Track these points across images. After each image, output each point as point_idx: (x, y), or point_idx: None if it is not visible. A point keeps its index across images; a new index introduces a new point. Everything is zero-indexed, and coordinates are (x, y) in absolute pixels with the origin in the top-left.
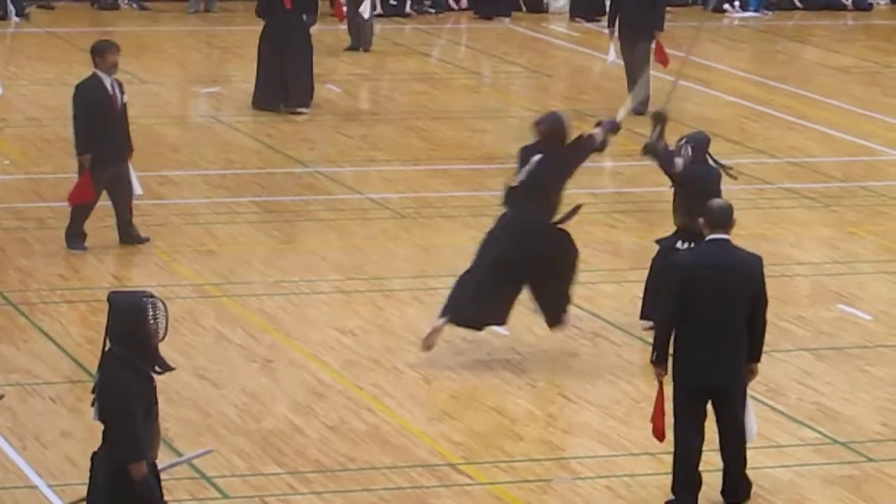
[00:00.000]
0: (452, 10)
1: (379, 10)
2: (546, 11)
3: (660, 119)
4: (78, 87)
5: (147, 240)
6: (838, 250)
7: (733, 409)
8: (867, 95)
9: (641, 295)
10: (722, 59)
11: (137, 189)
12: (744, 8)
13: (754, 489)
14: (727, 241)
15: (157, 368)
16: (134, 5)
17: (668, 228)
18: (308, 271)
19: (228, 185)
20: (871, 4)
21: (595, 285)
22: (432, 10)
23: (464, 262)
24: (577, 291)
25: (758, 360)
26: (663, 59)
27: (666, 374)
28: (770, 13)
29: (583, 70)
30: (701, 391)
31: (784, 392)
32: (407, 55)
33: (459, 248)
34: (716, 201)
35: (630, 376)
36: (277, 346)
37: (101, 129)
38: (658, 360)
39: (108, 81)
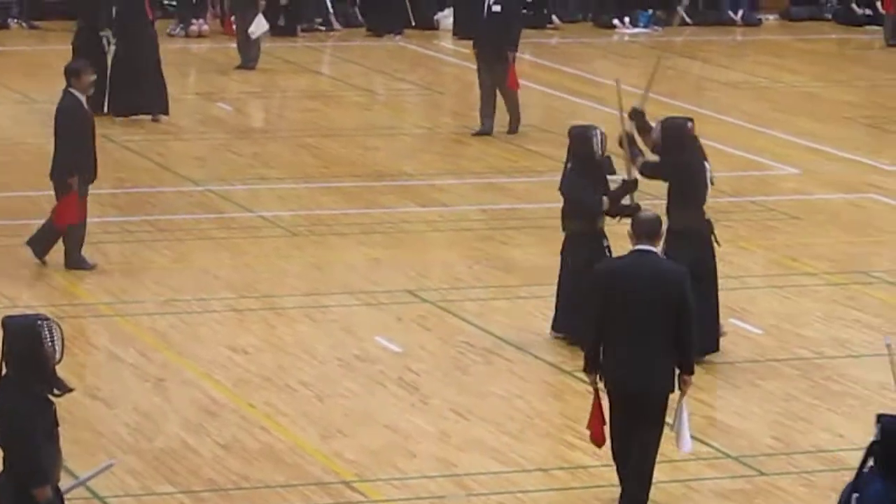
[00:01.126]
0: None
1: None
2: (436, 28)
3: (636, 117)
4: (61, 108)
5: (94, 266)
6: (730, 265)
7: (649, 418)
8: (757, 110)
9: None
10: (612, 74)
11: None
12: (633, 24)
13: None
14: (652, 252)
15: (55, 391)
16: (24, 24)
17: (556, 244)
18: (200, 290)
19: (119, 204)
20: (759, 20)
21: (487, 301)
22: (322, 28)
23: (357, 280)
24: (469, 308)
25: (689, 372)
26: (512, 83)
27: (599, 380)
28: (660, 29)
29: (473, 87)
30: (622, 399)
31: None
32: (298, 73)
33: (351, 265)
34: (644, 212)
35: (523, 392)
36: (169, 364)
37: (85, 150)
38: (589, 368)
39: (84, 101)
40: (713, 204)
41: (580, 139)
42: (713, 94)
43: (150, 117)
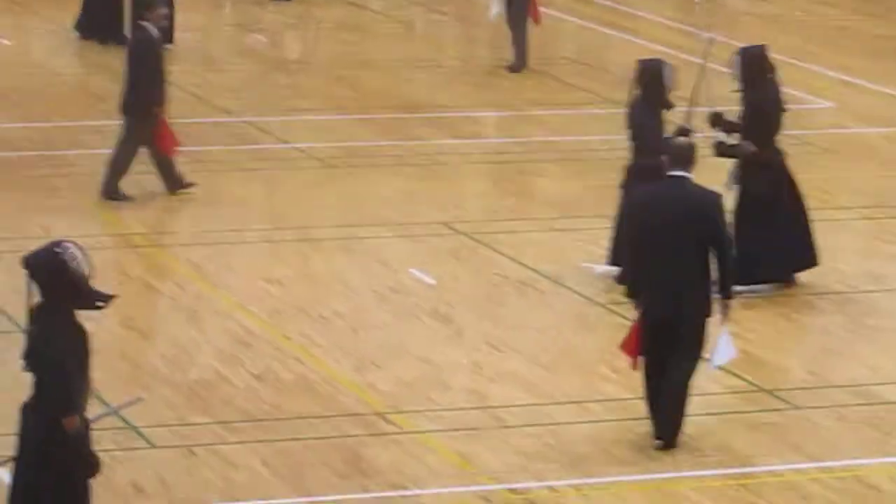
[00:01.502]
0: None
1: None
2: None
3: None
4: (136, 41)
5: (131, 198)
6: None
7: (686, 343)
8: (792, 44)
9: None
10: (647, 7)
11: None
12: None
13: (682, 436)
14: (686, 178)
15: (98, 304)
16: None
17: (593, 176)
18: (234, 221)
19: None
20: None
21: (521, 234)
22: None
23: (391, 212)
24: (503, 240)
25: (728, 296)
26: (535, 17)
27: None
28: None
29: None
30: (656, 325)
31: (710, 341)
32: (334, 4)
33: (386, 197)
34: (679, 140)
35: (556, 325)
36: (204, 295)
37: (161, 81)
38: (632, 293)
39: (155, 34)
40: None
41: (651, 73)
42: (748, 27)
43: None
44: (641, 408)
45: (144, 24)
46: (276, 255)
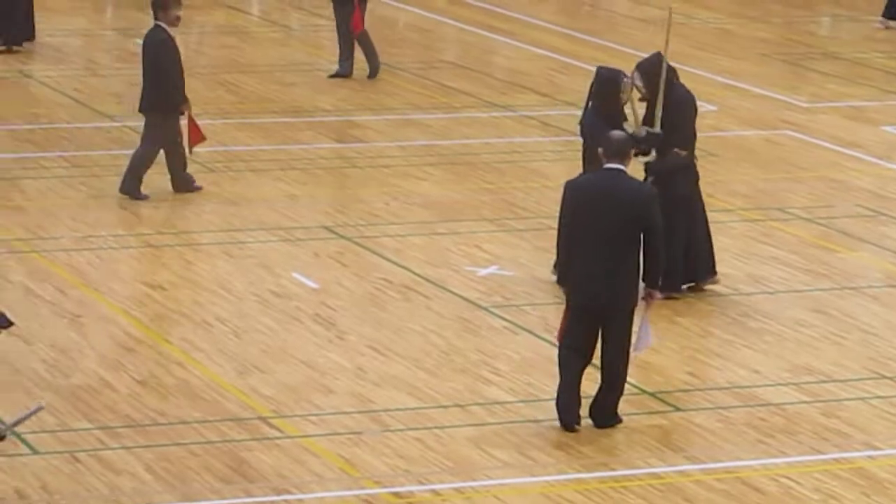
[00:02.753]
0: None
1: None
2: None
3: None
4: (153, 42)
5: (200, 188)
6: None
7: (616, 331)
8: (673, 47)
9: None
10: (529, 11)
11: None
12: None
13: (565, 439)
14: (622, 171)
15: None
16: None
17: (475, 180)
18: (117, 226)
19: (36, 140)
20: None
21: (404, 238)
22: None
23: (274, 216)
24: (386, 244)
25: (654, 286)
26: (355, 25)
27: (568, 291)
28: None
29: (391, 23)
30: (586, 311)
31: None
32: (215, 8)
33: (268, 201)
34: (615, 133)
35: (439, 328)
36: (86, 300)
37: (180, 81)
38: (561, 280)
39: (171, 33)
40: None
41: (608, 83)
42: (629, 30)
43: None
44: (525, 410)
45: (160, 24)
46: (159, 259)
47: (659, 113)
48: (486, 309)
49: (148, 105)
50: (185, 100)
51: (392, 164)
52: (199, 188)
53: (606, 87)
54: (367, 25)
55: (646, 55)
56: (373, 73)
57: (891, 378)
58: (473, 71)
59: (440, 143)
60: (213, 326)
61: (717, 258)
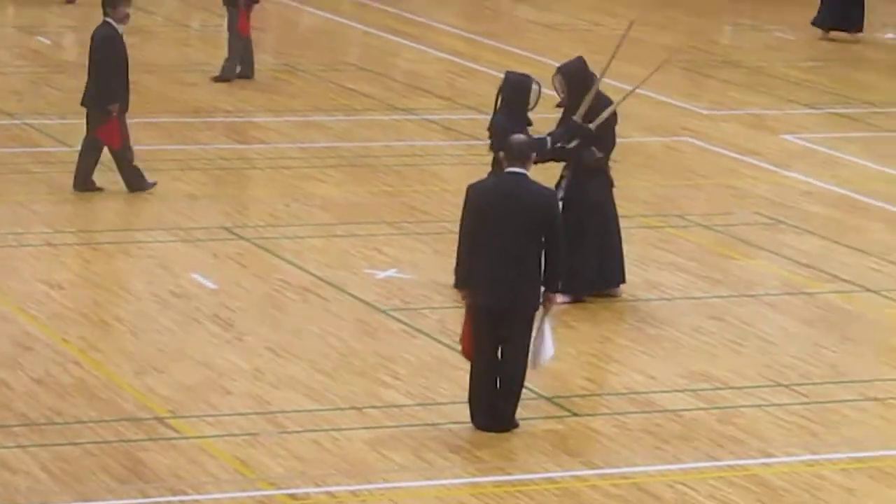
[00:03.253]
0: None
1: None
2: None
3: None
4: (100, 36)
5: (154, 184)
6: None
7: (517, 334)
8: (576, 53)
9: None
10: (431, 14)
11: None
12: None
13: (462, 443)
14: (524, 174)
15: None
16: None
17: (375, 182)
18: (16, 224)
19: None
20: None
21: (303, 239)
22: None
23: (173, 216)
24: (285, 245)
25: (555, 290)
26: (242, 28)
27: (469, 295)
28: None
29: (292, 24)
30: (489, 314)
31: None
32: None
33: (168, 201)
34: (516, 136)
35: (337, 331)
36: None
37: (123, 78)
38: (459, 284)
39: (120, 31)
40: None
41: (517, 87)
42: (533, 35)
43: None
44: (422, 414)
45: (109, 20)
46: (57, 258)
47: (580, 113)
48: (384, 312)
49: (89, 100)
50: (121, 99)
51: (293, 165)
52: (100, 189)
53: (515, 91)
54: (270, 26)
55: (545, 60)
56: (246, 74)
57: (787, 386)
58: (375, 73)
59: (341, 145)
60: (111, 326)
61: (622, 262)
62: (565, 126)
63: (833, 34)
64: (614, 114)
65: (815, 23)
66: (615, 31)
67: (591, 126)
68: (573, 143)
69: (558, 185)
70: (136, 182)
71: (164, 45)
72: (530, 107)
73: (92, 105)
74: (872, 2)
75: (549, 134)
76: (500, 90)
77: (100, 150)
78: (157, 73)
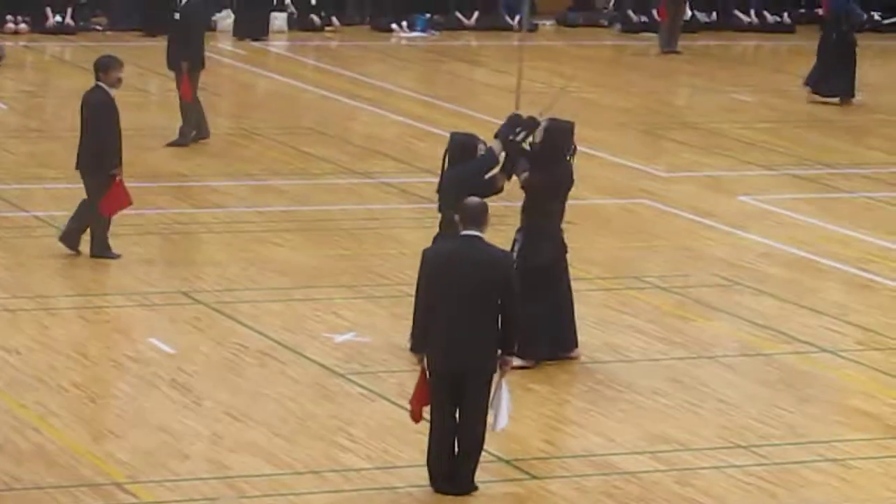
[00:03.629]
0: (120, 28)
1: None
2: (213, 29)
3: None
4: (95, 101)
5: (118, 256)
6: None
7: (474, 396)
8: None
9: None
10: (389, 78)
11: None
12: (411, 28)
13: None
14: (479, 237)
15: None
16: None
17: (332, 246)
18: None
19: None
20: (536, 25)
21: (261, 303)
22: (99, 28)
23: (131, 281)
24: (243, 310)
25: (511, 352)
26: (185, 94)
27: (423, 359)
28: (437, 33)
29: (250, 89)
30: (447, 377)
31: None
32: (74, 72)
33: (125, 266)
34: (471, 199)
35: (295, 395)
36: None
37: (118, 142)
38: (416, 348)
39: (112, 94)
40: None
41: (463, 147)
42: (489, 98)
43: None
44: (381, 477)
45: (101, 85)
46: (14, 323)
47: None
48: (342, 375)
49: (83, 165)
50: (117, 163)
51: (249, 229)
52: (117, 256)
53: (461, 151)
54: (226, 91)
55: (502, 122)
56: (180, 141)
57: (745, 447)
58: (332, 137)
59: (298, 208)
60: (68, 391)
61: (575, 326)
62: (507, 118)
63: (819, 98)
64: (571, 175)
65: (807, 83)
66: (571, 93)
67: (538, 120)
68: (521, 135)
69: (512, 248)
70: (108, 250)
71: (121, 110)
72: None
73: (90, 172)
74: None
75: (496, 135)
76: (447, 151)
77: (95, 217)
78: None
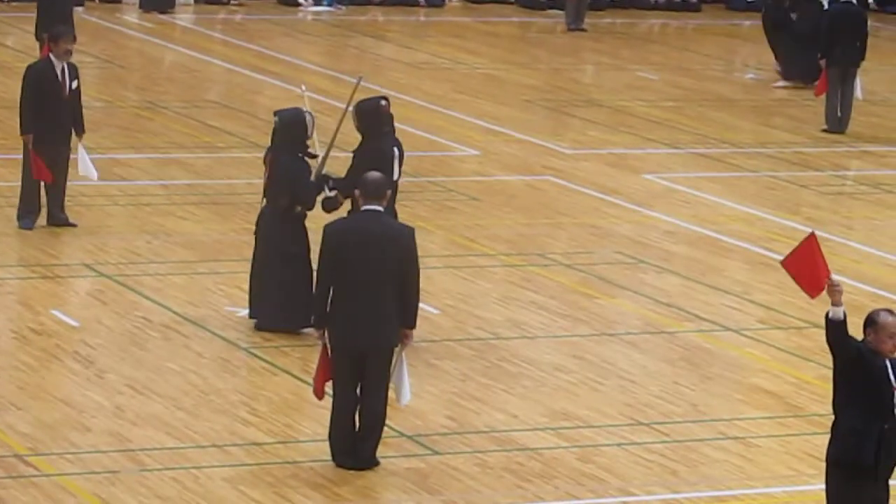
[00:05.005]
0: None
1: None
2: (119, 1)
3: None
4: (29, 68)
5: (74, 225)
6: None
7: (376, 372)
8: (438, 91)
9: None
10: (296, 53)
11: (92, 173)
12: (317, 2)
13: (323, 481)
14: (379, 212)
15: None
16: None
17: (237, 219)
18: None
19: None
20: (443, 1)
21: (165, 277)
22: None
23: (34, 253)
24: (147, 283)
25: (411, 326)
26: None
27: (324, 336)
28: (343, 8)
29: (155, 61)
30: (349, 352)
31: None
32: None
33: (28, 238)
34: (371, 174)
35: (199, 368)
36: None
37: (43, 112)
38: (316, 324)
39: (59, 66)
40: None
41: (294, 121)
42: (395, 74)
43: None
44: (283, 451)
45: (50, 55)
46: None
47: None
48: (245, 349)
49: (23, 132)
50: (29, 131)
51: (154, 202)
52: (73, 224)
53: (292, 126)
54: (132, 63)
55: (408, 98)
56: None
57: (647, 424)
58: (238, 111)
59: (203, 182)
60: None
61: (477, 302)
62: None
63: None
64: (390, 157)
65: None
66: (477, 69)
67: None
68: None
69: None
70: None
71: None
72: (309, 136)
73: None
74: (733, 43)
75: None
76: (275, 130)
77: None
78: (15, 108)
